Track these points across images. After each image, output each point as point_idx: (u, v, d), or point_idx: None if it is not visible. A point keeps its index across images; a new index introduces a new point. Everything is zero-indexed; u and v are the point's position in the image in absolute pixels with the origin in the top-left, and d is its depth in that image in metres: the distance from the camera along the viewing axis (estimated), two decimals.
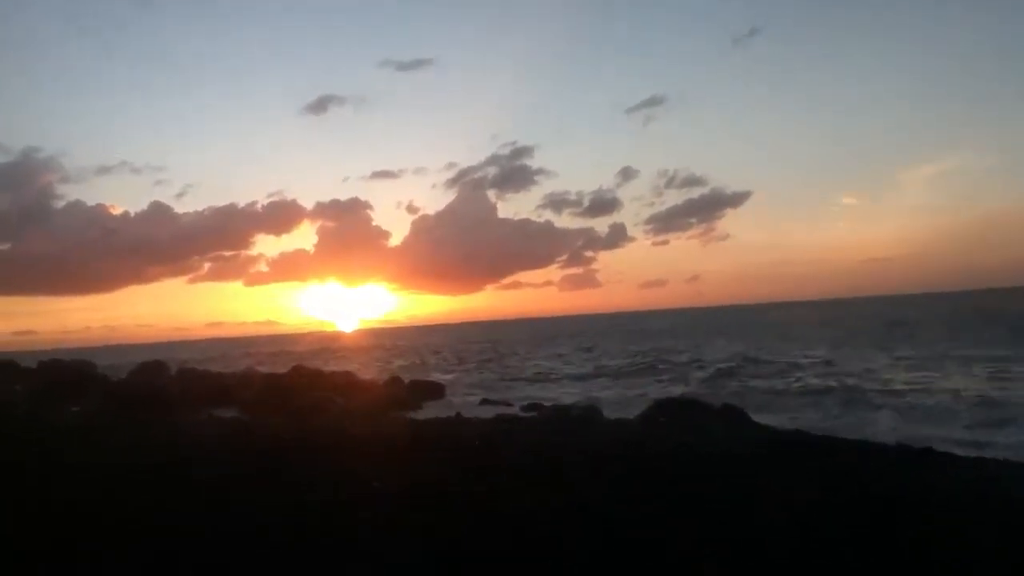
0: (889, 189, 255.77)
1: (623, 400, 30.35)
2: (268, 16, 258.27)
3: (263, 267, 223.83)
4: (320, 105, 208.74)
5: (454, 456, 8.45)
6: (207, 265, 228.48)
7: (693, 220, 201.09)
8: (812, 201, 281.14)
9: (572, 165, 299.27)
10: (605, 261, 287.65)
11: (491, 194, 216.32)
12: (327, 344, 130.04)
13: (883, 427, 19.50)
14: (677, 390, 32.88)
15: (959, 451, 12.20)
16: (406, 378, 44.11)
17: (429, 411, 27.11)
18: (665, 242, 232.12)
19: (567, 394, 35.35)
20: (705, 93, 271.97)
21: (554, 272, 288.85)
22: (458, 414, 19.56)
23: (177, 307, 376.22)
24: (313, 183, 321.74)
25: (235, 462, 9.07)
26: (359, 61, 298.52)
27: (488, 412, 25.11)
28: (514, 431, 10.84)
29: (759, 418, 19.03)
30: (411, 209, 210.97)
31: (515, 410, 27.95)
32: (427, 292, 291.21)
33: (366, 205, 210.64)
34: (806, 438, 10.76)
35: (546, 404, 28.75)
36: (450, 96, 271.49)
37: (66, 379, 38.87)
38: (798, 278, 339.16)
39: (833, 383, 30.78)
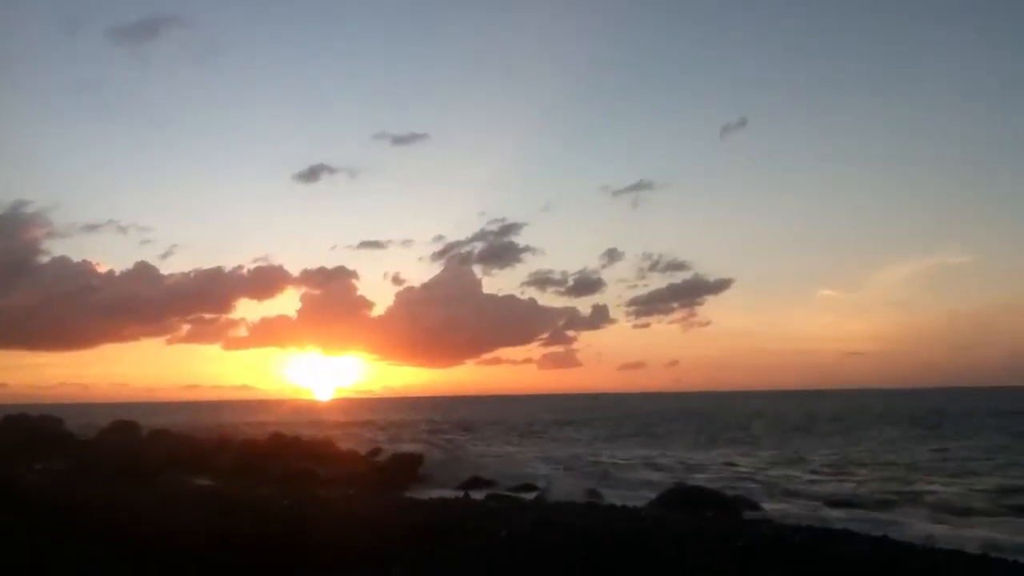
0: (869, 284, 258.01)
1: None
2: (266, 83, 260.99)
3: (243, 331, 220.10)
4: (312, 174, 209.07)
5: (496, 549, 7.20)
6: (186, 327, 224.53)
7: (675, 304, 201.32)
8: (793, 292, 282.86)
9: (558, 244, 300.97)
10: (586, 341, 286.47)
11: (477, 269, 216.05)
12: (304, 412, 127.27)
13: None
14: None
15: None
16: (388, 449, 42.44)
17: (418, 486, 25.63)
18: (646, 325, 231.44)
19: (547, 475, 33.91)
20: (692, 180, 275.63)
21: (535, 350, 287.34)
22: (466, 494, 18.04)
23: (153, 368, 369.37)
24: (300, 250, 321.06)
25: (227, 546, 7.78)
26: (354, 132, 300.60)
27: (480, 492, 23.71)
28: (543, 520, 9.52)
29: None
30: (397, 280, 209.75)
31: (507, 491, 26.44)
32: (407, 364, 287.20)
33: (352, 274, 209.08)
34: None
35: (539, 485, 27.25)
36: (441, 170, 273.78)
37: (32, 436, 37.05)
38: (777, 368, 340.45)
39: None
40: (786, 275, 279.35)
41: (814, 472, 32.56)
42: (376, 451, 41.27)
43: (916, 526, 17.67)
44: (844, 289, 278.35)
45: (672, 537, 8.02)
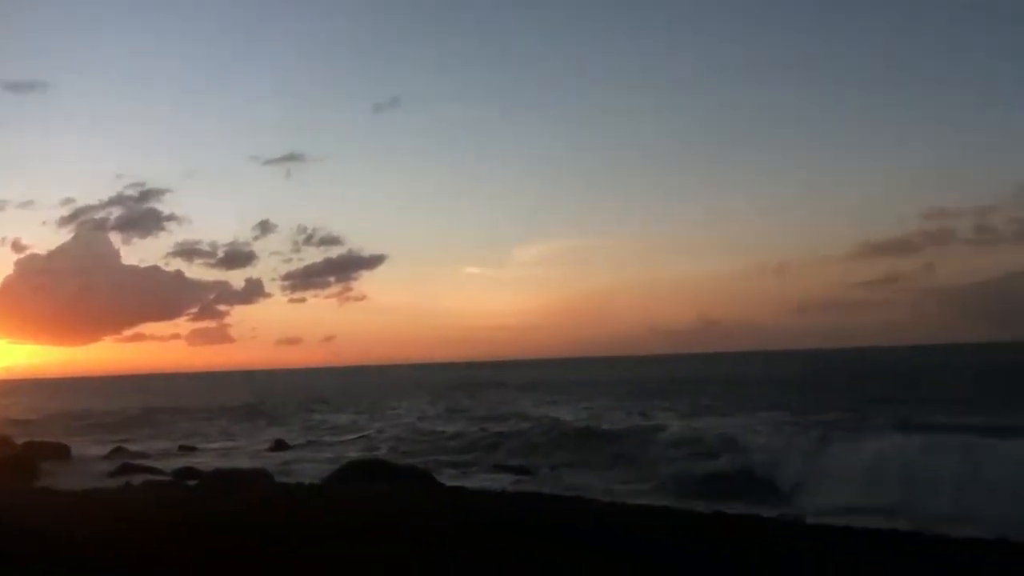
0: (511, 262, 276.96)
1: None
2: None
3: None
4: None
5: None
6: None
7: (331, 279, 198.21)
8: (443, 268, 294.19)
9: (206, 213, 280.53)
10: (239, 316, 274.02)
11: (114, 237, 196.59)
12: None
13: None
14: None
15: None
16: (17, 438, 37.78)
17: (62, 478, 23.23)
18: (302, 299, 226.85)
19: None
20: (345, 155, 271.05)
21: (183, 325, 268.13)
22: (127, 483, 16.60)
23: None
24: None
25: None
26: None
27: (138, 478, 22.11)
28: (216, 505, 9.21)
29: None
30: (17, 247, 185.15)
31: (167, 476, 24.95)
32: (30, 342, 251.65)
33: None
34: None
35: (201, 469, 25.98)
36: (68, 124, 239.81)
37: None
38: (430, 342, 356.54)
39: None
40: (436, 252, 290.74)
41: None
42: (5, 439, 36.66)
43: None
44: (492, 266, 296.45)
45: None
